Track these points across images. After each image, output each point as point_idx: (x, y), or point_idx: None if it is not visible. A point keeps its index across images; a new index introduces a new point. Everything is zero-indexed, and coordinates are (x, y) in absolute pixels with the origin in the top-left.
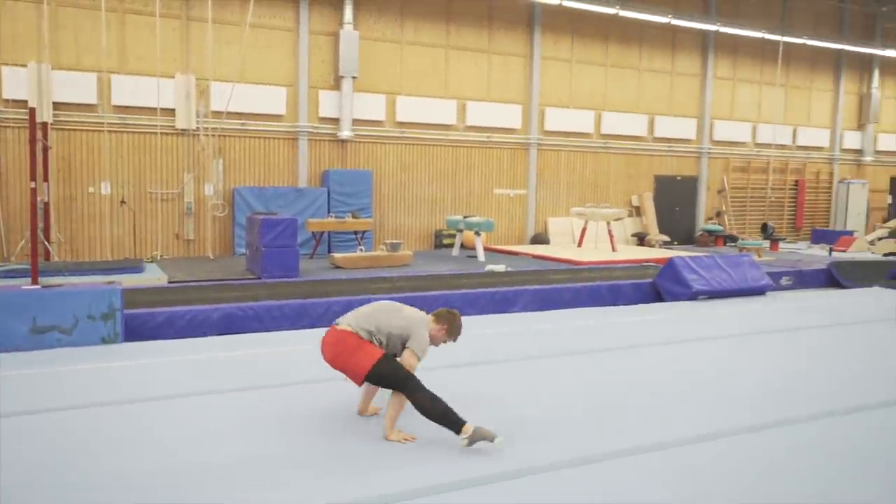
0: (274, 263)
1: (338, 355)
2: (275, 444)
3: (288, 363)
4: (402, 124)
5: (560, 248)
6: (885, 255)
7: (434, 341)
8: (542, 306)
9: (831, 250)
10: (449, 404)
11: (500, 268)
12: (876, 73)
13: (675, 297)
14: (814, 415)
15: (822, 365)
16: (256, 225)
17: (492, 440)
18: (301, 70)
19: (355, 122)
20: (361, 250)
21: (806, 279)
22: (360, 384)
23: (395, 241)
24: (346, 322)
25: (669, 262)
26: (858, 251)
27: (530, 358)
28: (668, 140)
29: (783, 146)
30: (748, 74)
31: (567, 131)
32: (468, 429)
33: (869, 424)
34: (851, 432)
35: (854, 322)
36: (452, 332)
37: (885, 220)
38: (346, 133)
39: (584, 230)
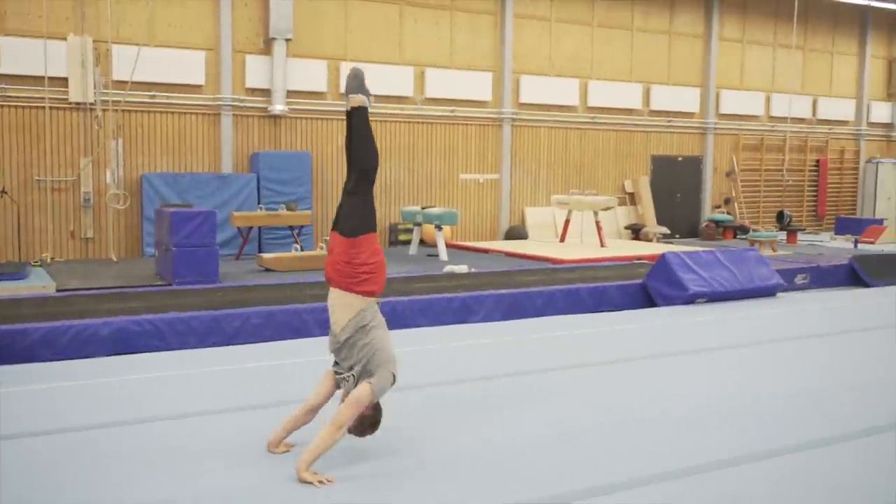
0: (187, 266)
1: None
2: (166, 490)
3: (186, 390)
4: None
5: (539, 243)
6: None
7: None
8: (509, 314)
9: (857, 242)
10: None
11: (462, 269)
12: None
13: (669, 301)
14: (824, 439)
15: (835, 380)
16: (166, 220)
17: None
18: (223, 31)
19: (290, 93)
20: (298, 249)
21: (824, 277)
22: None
23: None
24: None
25: (661, 259)
26: (888, 242)
27: (480, 379)
28: (667, 114)
29: (801, 120)
30: (760, 35)
31: (547, 104)
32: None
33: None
34: (870, 458)
35: (876, 327)
36: (365, 423)
37: None
38: (279, 107)
39: (567, 222)
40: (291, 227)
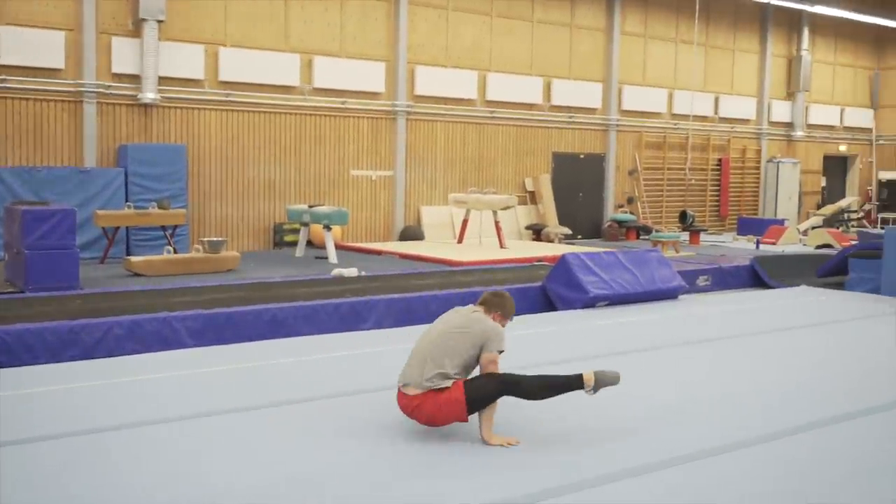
0: (42, 271)
1: (429, 419)
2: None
3: (40, 408)
4: (227, 84)
5: (435, 245)
6: (818, 247)
7: None
8: (401, 321)
9: (759, 242)
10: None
11: (352, 272)
12: (806, 33)
13: (569, 305)
14: (732, 444)
15: (735, 384)
16: (17, 219)
17: (616, 381)
18: (86, 9)
19: (163, 80)
20: (170, 251)
21: (726, 278)
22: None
23: (216, 239)
24: (411, 381)
25: (561, 261)
26: (789, 243)
27: (369, 391)
28: (569, 109)
29: (703, 118)
30: (662, 31)
31: (444, 96)
32: (590, 379)
33: (791, 450)
34: (770, 461)
35: (774, 329)
36: (507, 314)
37: (819, 207)
38: (150, 95)
39: (465, 222)
40: (164, 228)
